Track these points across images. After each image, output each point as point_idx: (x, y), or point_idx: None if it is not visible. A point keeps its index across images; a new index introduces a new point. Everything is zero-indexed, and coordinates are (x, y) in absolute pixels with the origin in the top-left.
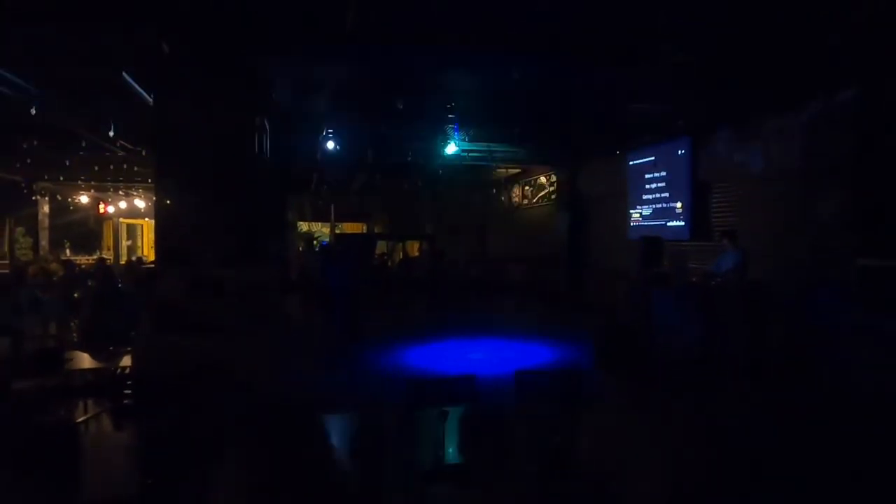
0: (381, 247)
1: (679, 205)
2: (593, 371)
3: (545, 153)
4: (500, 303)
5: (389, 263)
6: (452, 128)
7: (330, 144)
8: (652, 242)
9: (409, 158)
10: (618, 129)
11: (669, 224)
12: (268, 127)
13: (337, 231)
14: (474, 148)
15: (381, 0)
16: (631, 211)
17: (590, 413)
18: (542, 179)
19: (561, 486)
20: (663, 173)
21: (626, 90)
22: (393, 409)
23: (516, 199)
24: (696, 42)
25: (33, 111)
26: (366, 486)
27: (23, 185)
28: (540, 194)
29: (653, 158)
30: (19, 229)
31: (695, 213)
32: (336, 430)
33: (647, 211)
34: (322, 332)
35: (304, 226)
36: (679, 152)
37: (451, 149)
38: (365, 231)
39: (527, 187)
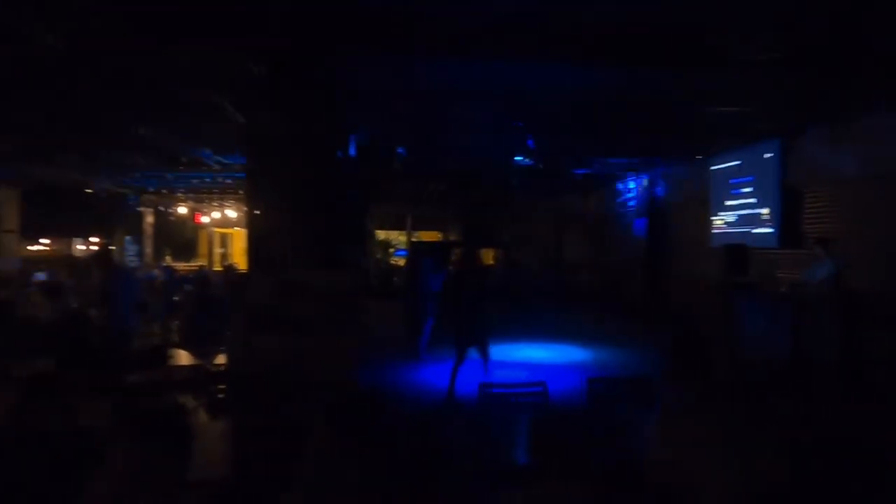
0: (456, 255)
1: (766, 211)
2: (669, 379)
3: (622, 159)
4: (576, 310)
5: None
6: (528, 135)
7: (407, 154)
8: (736, 250)
9: (485, 166)
10: (700, 134)
11: (755, 231)
12: (350, 139)
13: (413, 239)
14: (549, 155)
15: (460, 14)
16: (713, 217)
17: (664, 421)
18: (620, 186)
19: (630, 494)
20: (749, 178)
21: (711, 93)
22: (466, 411)
23: (592, 206)
24: (786, 39)
25: (141, 130)
26: (436, 482)
27: (130, 197)
28: (617, 201)
29: (738, 163)
30: (127, 238)
31: (784, 220)
32: (411, 427)
33: (730, 217)
34: (400, 334)
35: (381, 234)
36: (767, 156)
37: (525, 157)
38: (441, 239)
39: (603, 194)
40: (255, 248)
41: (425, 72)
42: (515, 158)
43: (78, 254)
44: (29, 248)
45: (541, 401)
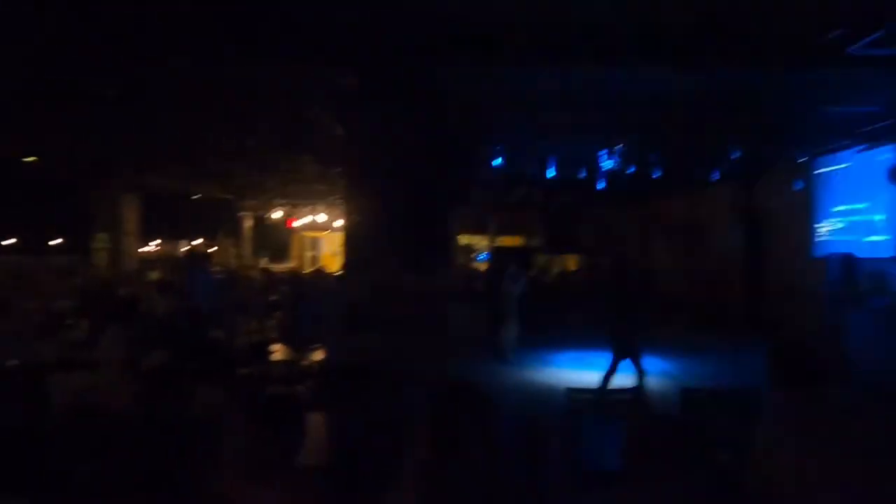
0: (538, 260)
1: (880, 217)
2: (771, 391)
3: (717, 164)
4: (667, 319)
5: (547, 277)
6: (616, 140)
7: (494, 160)
8: (845, 259)
9: (569, 172)
10: (803, 136)
11: (867, 239)
12: (438, 145)
13: (495, 244)
14: (639, 159)
15: (552, 22)
16: (818, 224)
17: (764, 434)
18: (713, 191)
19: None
20: (859, 182)
21: (819, 92)
22: (555, 414)
23: (683, 211)
24: None
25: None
26: (526, 482)
27: (231, 203)
28: (709, 207)
29: (846, 166)
30: (228, 241)
31: None
32: (499, 427)
33: (838, 224)
34: (483, 336)
35: (464, 238)
36: (881, 158)
37: (613, 163)
38: (523, 244)
39: (695, 198)
40: (350, 250)
41: (517, 79)
42: (603, 163)
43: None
44: (140, 249)
45: (632, 405)
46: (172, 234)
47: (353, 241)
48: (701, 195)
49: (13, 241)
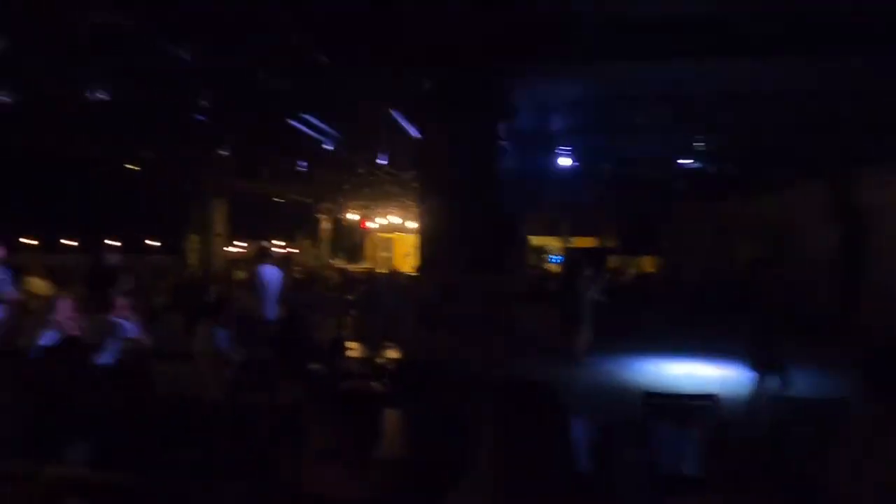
0: (613, 262)
1: None
2: (863, 402)
3: (807, 161)
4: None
5: (622, 279)
6: (693, 138)
7: (564, 161)
8: None
9: (644, 172)
10: None
11: None
12: (511, 147)
13: (567, 245)
14: (720, 157)
15: (626, 23)
16: None
17: (858, 447)
18: (803, 189)
19: None
20: None
21: None
22: (630, 419)
23: (768, 211)
24: None
25: (330, 147)
26: (602, 485)
27: (310, 206)
28: (800, 206)
29: None
30: (306, 242)
31: None
32: (573, 429)
33: None
34: (556, 337)
35: (535, 240)
36: None
37: (690, 161)
38: (597, 245)
39: (782, 197)
40: (423, 251)
41: (591, 79)
42: (681, 161)
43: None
44: (226, 249)
45: (710, 412)
46: (257, 235)
47: (426, 242)
48: (792, 192)
49: (118, 242)
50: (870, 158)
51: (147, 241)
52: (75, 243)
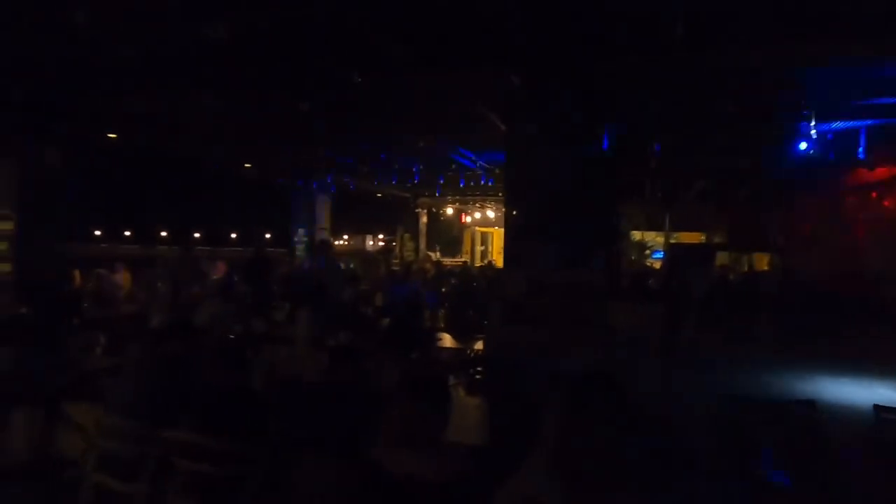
0: (721, 258)
1: None
2: None
3: None
4: (878, 333)
5: (731, 277)
6: (809, 123)
7: (666, 151)
8: None
9: (754, 162)
10: None
11: None
12: (605, 140)
13: (672, 241)
14: (840, 142)
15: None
16: None
17: None
18: None
19: None
20: None
21: None
22: (717, 424)
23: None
24: None
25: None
26: (656, 479)
27: (410, 200)
28: None
29: None
30: (406, 235)
31: None
32: (638, 424)
33: None
34: (642, 338)
35: (637, 235)
36: None
37: (804, 146)
38: (703, 241)
39: None
40: (510, 246)
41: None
42: (795, 149)
43: (369, 248)
44: (336, 243)
45: (805, 421)
46: (359, 229)
47: (513, 237)
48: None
49: (233, 235)
50: None
51: (265, 236)
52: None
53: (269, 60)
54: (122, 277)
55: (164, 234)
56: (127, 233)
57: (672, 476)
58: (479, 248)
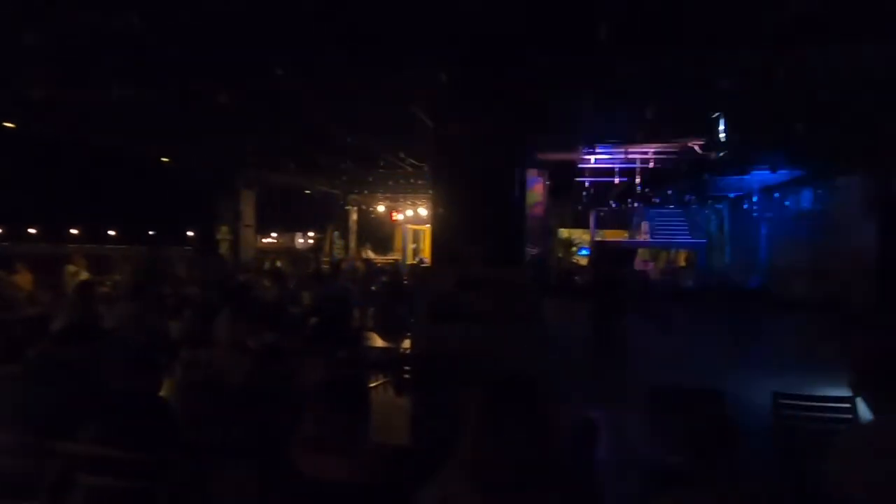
0: (642, 254)
1: None
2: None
3: (842, 152)
4: (780, 320)
5: (652, 272)
6: (721, 131)
7: (592, 155)
8: None
9: (672, 165)
10: None
11: None
12: (529, 140)
13: (597, 238)
14: (748, 147)
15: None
16: None
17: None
18: (837, 181)
19: None
20: None
21: None
22: (636, 412)
23: (805, 204)
24: None
25: (349, 140)
26: (593, 477)
27: (339, 197)
28: (835, 198)
29: None
30: (336, 233)
31: None
32: (574, 422)
33: None
34: (570, 333)
35: (564, 233)
36: None
37: (720, 153)
38: (627, 238)
39: (818, 191)
40: (437, 243)
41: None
42: (708, 152)
43: (299, 246)
44: (259, 240)
45: (713, 407)
46: (289, 226)
47: (440, 234)
48: (821, 185)
49: (152, 233)
50: None
51: (180, 233)
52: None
53: (185, 48)
54: (23, 278)
55: (74, 231)
56: (32, 230)
57: (593, 474)
58: (411, 246)
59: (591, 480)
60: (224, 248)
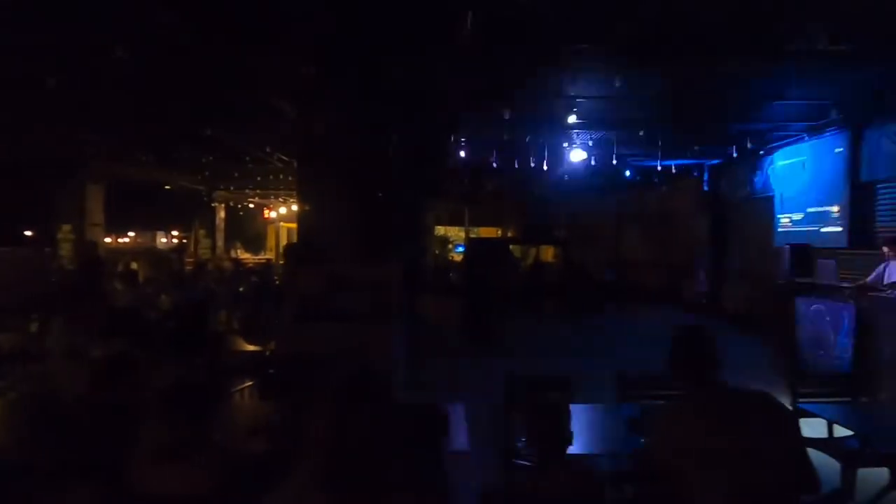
0: (514, 251)
1: (836, 208)
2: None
3: (682, 155)
4: (634, 310)
5: (521, 268)
6: (578, 133)
7: (461, 152)
8: (800, 250)
9: (538, 164)
10: (765, 127)
11: (824, 230)
12: (401, 135)
13: (472, 235)
14: (604, 152)
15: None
16: (780, 215)
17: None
18: (680, 182)
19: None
20: (817, 173)
21: (776, 84)
22: (493, 403)
23: (653, 203)
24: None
25: (209, 132)
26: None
27: (204, 193)
28: (677, 198)
29: (804, 158)
30: (201, 231)
31: (854, 218)
32: (436, 418)
33: (797, 216)
34: (446, 328)
35: (440, 230)
36: (836, 150)
37: (577, 155)
38: (499, 236)
39: (664, 190)
40: (304, 238)
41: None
42: (568, 155)
43: (161, 246)
44: (111, 240)
45: (561, 392)
46: (149, 225)
47: (307, 230)
48: (667, 185)
49: None
50: (735, 152)
51: (18, 232)
52: None
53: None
54: None
55: None
56: None
57: (441, 464)
58: (284, 244)
59: (439, 472)
60: (66, 249)
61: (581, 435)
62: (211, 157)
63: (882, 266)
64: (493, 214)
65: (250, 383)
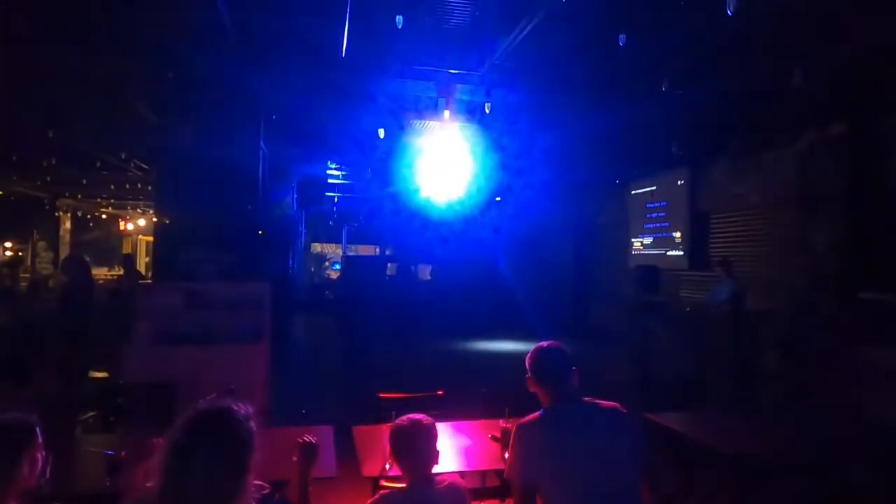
0: (390, 269)
1: (678, 234)
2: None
3: (544, 183)
4: (503, 330)
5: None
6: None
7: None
8: (648, 271)
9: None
10: (620, 159)
11: (669, 253)
12: (267, 150)
13: (350, 252)
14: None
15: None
16: (633, 240)
17: None
18: (546, 207)
19: None
20: (663, 203)
21: (629, 121)
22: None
23: (519, 226)
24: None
25: (51, 133)
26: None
27: (45, 201)
28: (543, 222)
29: (653, 188)
30: (41, 244)
31: (693, 243)
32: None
33: (647, 240)
34: (319, 348)
35: (317, 247)
36: (679, 182)
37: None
38: (377, 253)
39: (530, 215)
40: (160, 254)
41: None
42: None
43: None
44: None
45: (436, 409)
46: None
47: (164, 245)
48: (532, 210)
49: None
50: (594, 181)
51: None
52: None
53: None
54: None
55: None
56: None
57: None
58: (144, 260)
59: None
60: None
61: (449, 452)
62: (54, 161)
63: (715, 285)
64: (373, 231)
65: (93, 414)
